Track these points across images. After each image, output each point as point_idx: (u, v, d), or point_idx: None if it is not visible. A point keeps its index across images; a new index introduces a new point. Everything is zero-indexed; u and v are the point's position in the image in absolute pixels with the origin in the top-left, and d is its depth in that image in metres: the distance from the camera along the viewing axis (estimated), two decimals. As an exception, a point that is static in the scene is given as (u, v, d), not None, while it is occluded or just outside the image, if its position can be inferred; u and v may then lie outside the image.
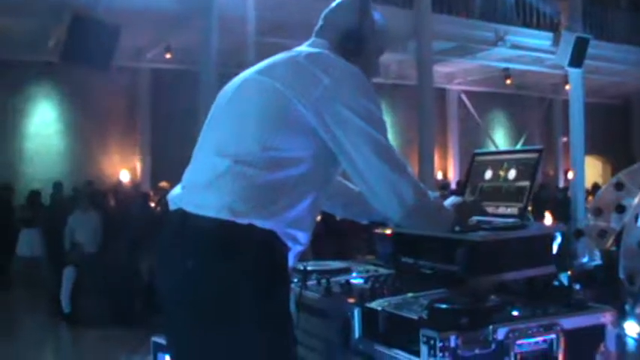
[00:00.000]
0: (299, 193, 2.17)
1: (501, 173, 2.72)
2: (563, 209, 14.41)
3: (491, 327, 1.95)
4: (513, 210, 2.60)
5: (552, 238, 2.59)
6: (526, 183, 2.62)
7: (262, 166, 2.12)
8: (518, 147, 15.95)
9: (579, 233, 12.25)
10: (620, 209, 12.70)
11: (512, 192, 2.64)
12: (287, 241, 2.15)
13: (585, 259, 11.88)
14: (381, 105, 2.25)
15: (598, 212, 13.23)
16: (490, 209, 2.65)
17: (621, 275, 10.91)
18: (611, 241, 12.55)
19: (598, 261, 11.79)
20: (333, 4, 2.48)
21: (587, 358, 2.16)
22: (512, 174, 2.68)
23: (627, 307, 8.49)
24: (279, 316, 2.15)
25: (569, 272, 10.45)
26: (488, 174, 2.78)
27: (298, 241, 2.20)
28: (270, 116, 2.18)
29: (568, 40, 13.71)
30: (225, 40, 10.73)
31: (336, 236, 9.81)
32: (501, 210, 2.62)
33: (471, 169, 2.90)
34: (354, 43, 2.38)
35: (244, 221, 2.07)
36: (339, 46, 2.37)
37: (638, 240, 11.46)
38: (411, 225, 2.40)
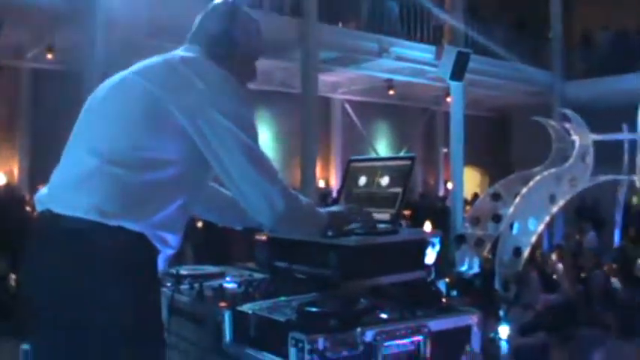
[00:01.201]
0: (169, 195, 2.16)
1: (375, 180, 2.78)
2: (442, 218, 14.79)
3: (359, 329, 1.98)
4: (385, 216, 2.66)
5: (425, 244, 2.65)
6: (398, 190, 2.68)
7: (132, 166, 2.10)
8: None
9: (461, 239, 12.61)
10: (497, 219, 13.25)
11: (385, 198, 2.70)
12: (157, 244, 2.13)
13: (464, 267, 12.25)
14: (254, 111, 2.26)
15: (475, 221, 13.76)
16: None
17: (497, 282, 11.32)
18: (487, 248, 13.05)
19: (476, 269, 12.20)
20: (205, 10, 2.47)
21: (453, 359, 2.24)
22: (385, 181, 2.74)
23: (501, 313, 8.82)
24: (149, 319, 2.12)
25: (447, 279, 10.76)
26: (363, 180, 2.84)
27: (168, 243, 2.18)
28: (142, 117, 2.16)
29: (450, 53, 14.07)
30: (112, 41, 10.45)
31: (218, 242, 9.76)
32: (374, 216, 2.66)
33: (347, 176, 2.95)
34: (224, 49, 2.37)
35: (113, 223, 2.04)
36: (209, 51, 2.37)
37: (512, 248, 11.95)
38: (283, 230, 2.43)
